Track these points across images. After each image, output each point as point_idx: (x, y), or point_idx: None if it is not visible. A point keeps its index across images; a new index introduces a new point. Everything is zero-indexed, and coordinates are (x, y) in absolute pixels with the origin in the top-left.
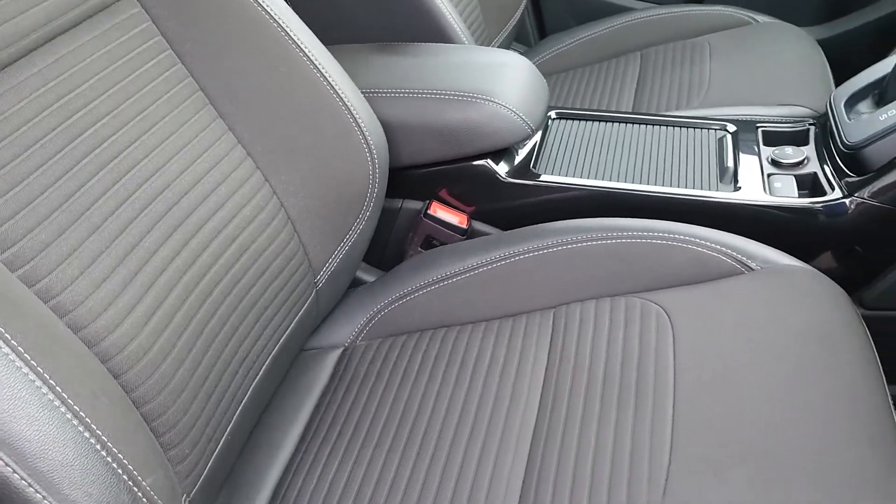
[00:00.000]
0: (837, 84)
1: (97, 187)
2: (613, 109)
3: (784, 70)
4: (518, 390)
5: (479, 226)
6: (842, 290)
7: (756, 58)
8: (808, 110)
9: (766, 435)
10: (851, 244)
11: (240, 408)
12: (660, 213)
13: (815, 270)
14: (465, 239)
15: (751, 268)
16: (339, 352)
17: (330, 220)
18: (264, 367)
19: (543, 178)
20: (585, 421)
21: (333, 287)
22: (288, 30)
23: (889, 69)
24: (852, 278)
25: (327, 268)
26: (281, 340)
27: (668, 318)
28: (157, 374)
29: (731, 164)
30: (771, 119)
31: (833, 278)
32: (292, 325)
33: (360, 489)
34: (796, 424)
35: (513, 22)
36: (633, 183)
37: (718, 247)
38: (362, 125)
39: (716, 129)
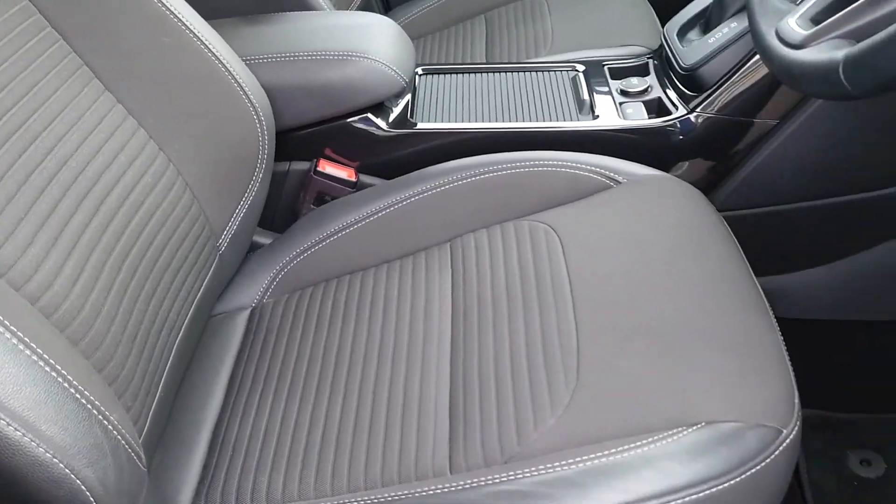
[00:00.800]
0: (663, 23)
1: (5, 158)
2: (467, 62)
3: (617, 17)
4: (429, 317)
5: (366, 179)
6: (699, 191)
7: (591, 9)
8: (643, 48)
9: (657, 312)
10: (699, 153)
11: (167, 367)
12: (532, 145)
13: (674, 177)
14: (355, 192)
15: (618, 181)
16: (247, 312)
17: (226, 183)
18: (183, 328)
19: (421, 125)
20: (497, 330)
21: (234, 251)
22: (167, 3)
23: (710, 0)
24: (704, 184)
25: (227, 231)
26: (195, 303)
27: (555, 232)
28: (92, 331)
29: (586, 97)
30: (614, 57)
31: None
32: (202, 288)
33: (295, 434)
34: (678, 300)
35: None
36: (504, 122)
37: (589, 167)
38: (247, 90)
39: (567, 71)
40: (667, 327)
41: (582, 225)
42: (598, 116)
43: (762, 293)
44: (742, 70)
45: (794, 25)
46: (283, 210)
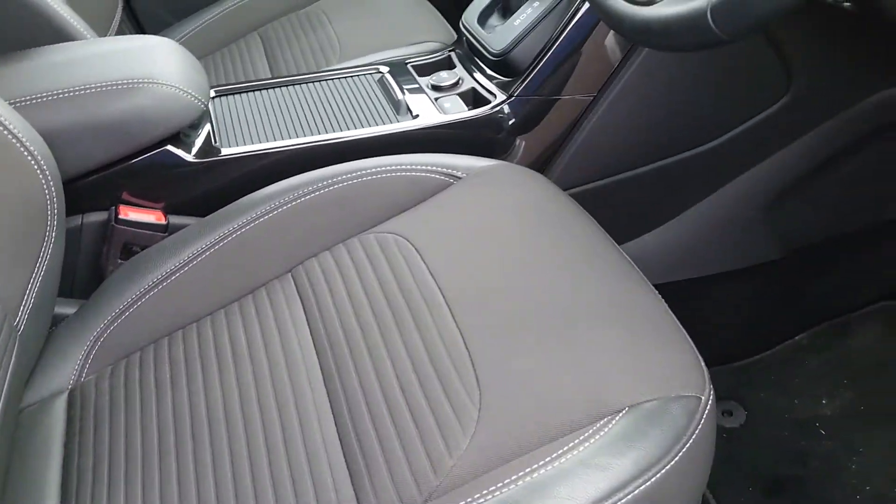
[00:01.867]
0: (445, 15)
1: None
2: (265, 78)
3: (401, 18)
4: (291, 359)
5: (178, 220)
6: (538, 173)
7: (371, 12)
8: (437, 43)
9: (539, 300)
10: (525, 137)
11: None
12: (357, 154)
13: (512, 164)
14: (168, 235)
15: (458, 177)
16: (64, 397)
17: (13, 251)
18: None
19: (230, 151)
20: (376, 357)
21: (36, 327)
22: None
23: None
24: (535, 167)
25: (24, 307)
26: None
27: (407, 240)
28: None
29: (400, 97)
30: (414, 56)
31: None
32: (6, 378)
33: None
34: (556, 284)
35: (114, 26)
36: (321, 134)
37: (425, 167)
38: (21, 137)
39: (371, 73)
40: (553, 314)
41: (433, 227)
42: (417, 115)
43: (631, 261)
44: (553, 48)
45: None
46: (84, 270)
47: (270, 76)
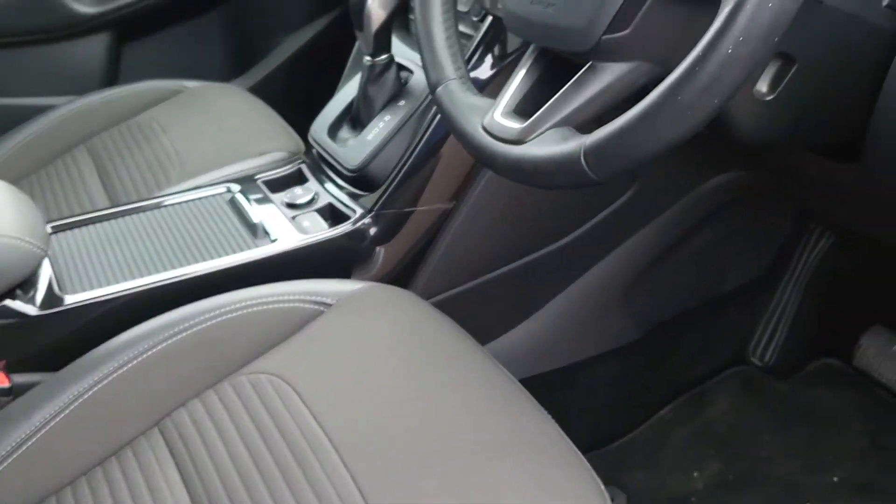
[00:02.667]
0: (288, 121)
1: None
2: (105, 208)
3: (242, 125)
4: None
5: (24, 378)
6: (408, 291)
7: (210, 121)
8: (283, 152)
9: (432, 435)
10: (388, 250)
11: None
12: (218, 288)
13: (379, 284)
14: (15, 399)
15: (328, 304)
16: None
17: None
18: None
19: (76, 298)
20: None
21: None
22: None
23: (353, 95)
24: (402, 279)
25: None
26: None
27: (283, 381)
28: None
29: (256, 220)
30: (262, 169)
31: (392, 283)
32: None
33: None
34: (445, 414)
35: None
36: (176, 269)
37: (293, 297)
38: None
39: (222, 193)
40: (450, 450)
41: (309, 364)
42: (276, 240)
43: (511, 375)
44: (410, 161)
45: (504, 120)
46: None
47: (106, 197)
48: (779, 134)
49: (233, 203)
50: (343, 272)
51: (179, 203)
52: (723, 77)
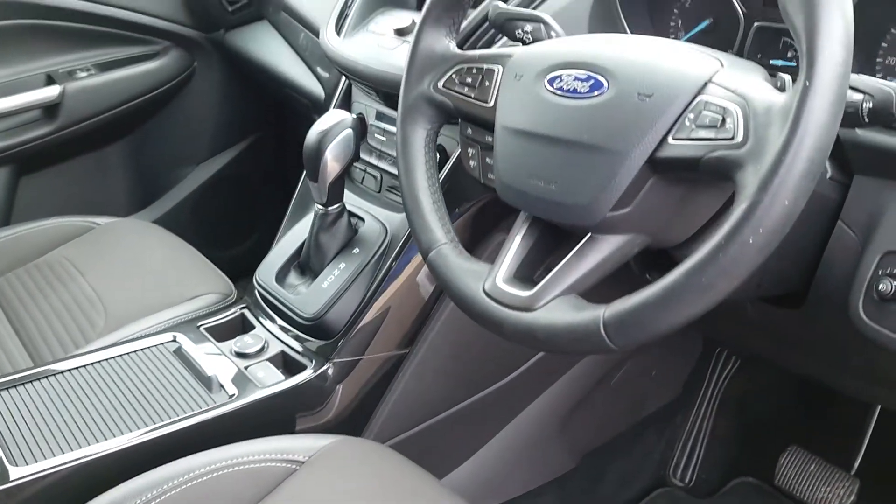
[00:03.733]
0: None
1: None
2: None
3: (164, 265)
4: None
5: None
6: (374, 443)
7: (128, 261)
8: (215, 294)
9: None
10: (345, 398)
11: None
12: (180, 451)
13: (347, 437)
14: None
15: (300, 461)
16: None
17: None
18: None
19: (19, 472)
20: None
21: None
22: None
23: (299, 241)
24: (357, 425)
25: None
26: None
27: None
28: None
29: (209, 373)
30: (200, 314)
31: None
32: None
33: None
34: None
35: None
36: (131, 432)
37: (263, 455)
38: None
39: (166, 343)
40: None
41: None
42: (234, 394)
43: None
44: (367, 310)
45: (507, 287)
46: None
47: (24, 351)
48: (744, 292)
49: (180, 354)
50: (298, 420)
51: (122, 355)
52: (743, 262)
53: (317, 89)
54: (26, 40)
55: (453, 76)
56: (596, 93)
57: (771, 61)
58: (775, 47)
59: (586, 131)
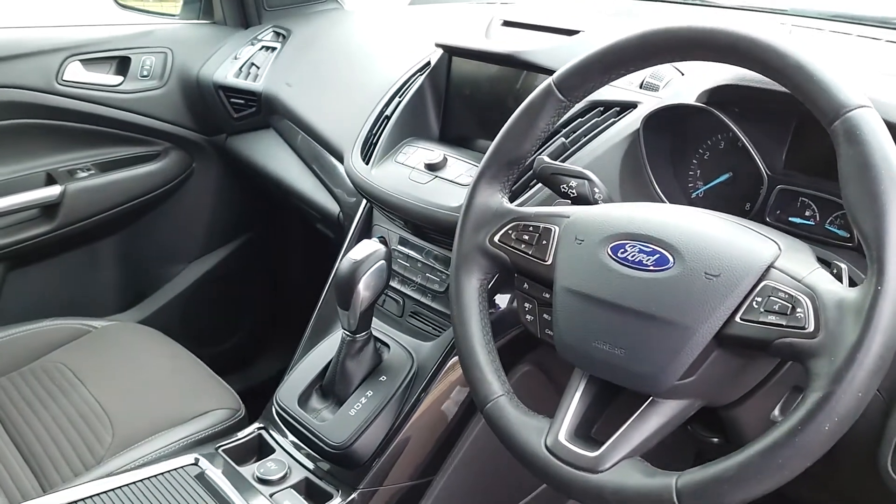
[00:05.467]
0: (221, 374)
1: None
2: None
3: (169, 376)
4: None
5: None
6: None
7: (131, 370)
8: (225, 411)
9: None
10: None
11: None
12: None
13: None
14: None
15: None
16: None
17: None
18: None
19: None
20: None
21: None
22: None
23: (321, 365)
24: None
25: None
26: None
27: None
28: None
29: (235, 501)
30: (214, 431)
31: None
32: None
33: None
34: None
35: None
36: None
37: None
38: None
39: (186, 467)
40: None
41: None
42: None
43: None
44: (396, 439)
45: (570, 445)
46: None
47: (28, 469)
48: None
49: (202, 479)
50: None
51: (142, 480)
52: (816, 445)
53: (330, 204)
54: (28, 139)
55: (510, 231)
56: (663, 267)
57: (790, 218)
58: (794, 207)
59: (654, 304)
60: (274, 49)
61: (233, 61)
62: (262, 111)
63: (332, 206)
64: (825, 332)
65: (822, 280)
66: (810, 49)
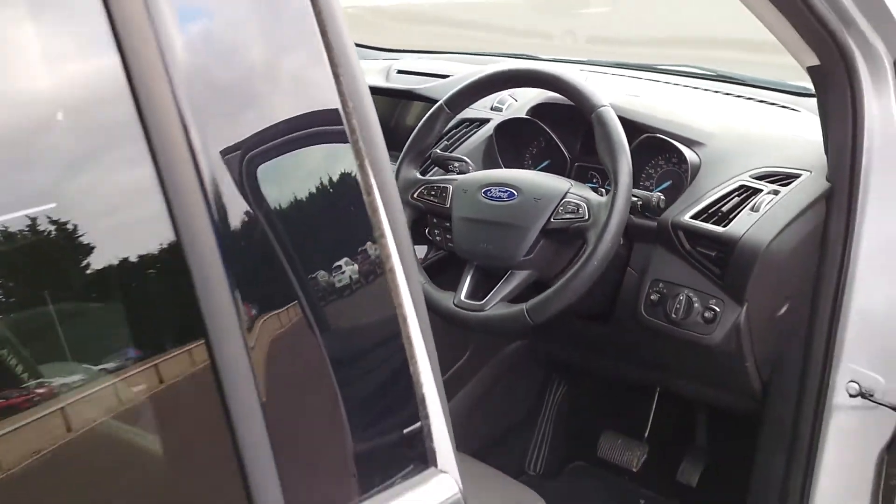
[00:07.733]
0: None
1: None
2: None
3: None
4: None
5: None
6: None
7: None
8: None
9: None
10: None
11: None
12: None
13: None
14: None
15: None
16: None
17: None
18: None
19: None
20: None
21: None
22: None
23: None
24: None
25: None
26: None
27: None
28: None
29: None
30: None
31: None
32: None
33: None
34: None
35: None
36: None
37: None
38: None
39: None
40: None
41: None
42: None
43: None
44: None
45: (467, 300)
46: None
47: None
48: (578, 307)
49: None
50: None
51: None
52: (592, 272)
53: None
54: None
55: (423, 191)
56: (512, 199)
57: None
58: (586, 175)
59: (508, 217)
60: None
61: None
62: None
63: None
64: (592, 218)
65: (590, 194)
66: (582, 77)
